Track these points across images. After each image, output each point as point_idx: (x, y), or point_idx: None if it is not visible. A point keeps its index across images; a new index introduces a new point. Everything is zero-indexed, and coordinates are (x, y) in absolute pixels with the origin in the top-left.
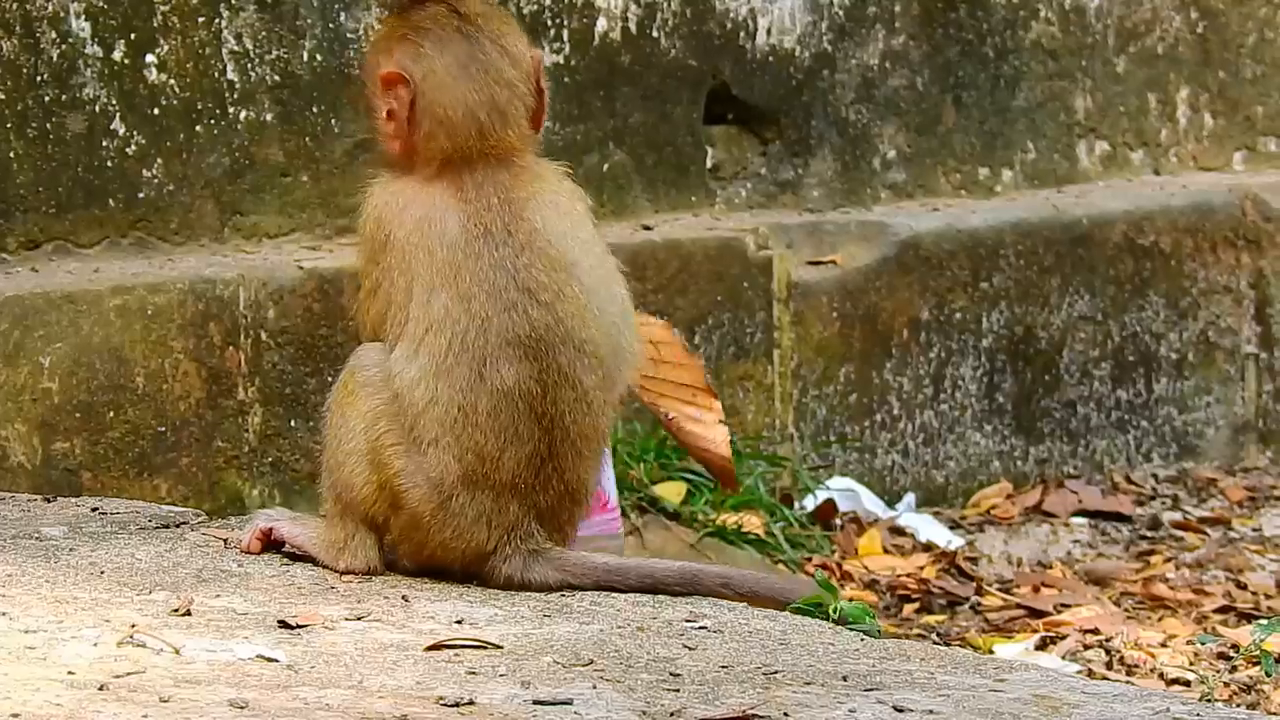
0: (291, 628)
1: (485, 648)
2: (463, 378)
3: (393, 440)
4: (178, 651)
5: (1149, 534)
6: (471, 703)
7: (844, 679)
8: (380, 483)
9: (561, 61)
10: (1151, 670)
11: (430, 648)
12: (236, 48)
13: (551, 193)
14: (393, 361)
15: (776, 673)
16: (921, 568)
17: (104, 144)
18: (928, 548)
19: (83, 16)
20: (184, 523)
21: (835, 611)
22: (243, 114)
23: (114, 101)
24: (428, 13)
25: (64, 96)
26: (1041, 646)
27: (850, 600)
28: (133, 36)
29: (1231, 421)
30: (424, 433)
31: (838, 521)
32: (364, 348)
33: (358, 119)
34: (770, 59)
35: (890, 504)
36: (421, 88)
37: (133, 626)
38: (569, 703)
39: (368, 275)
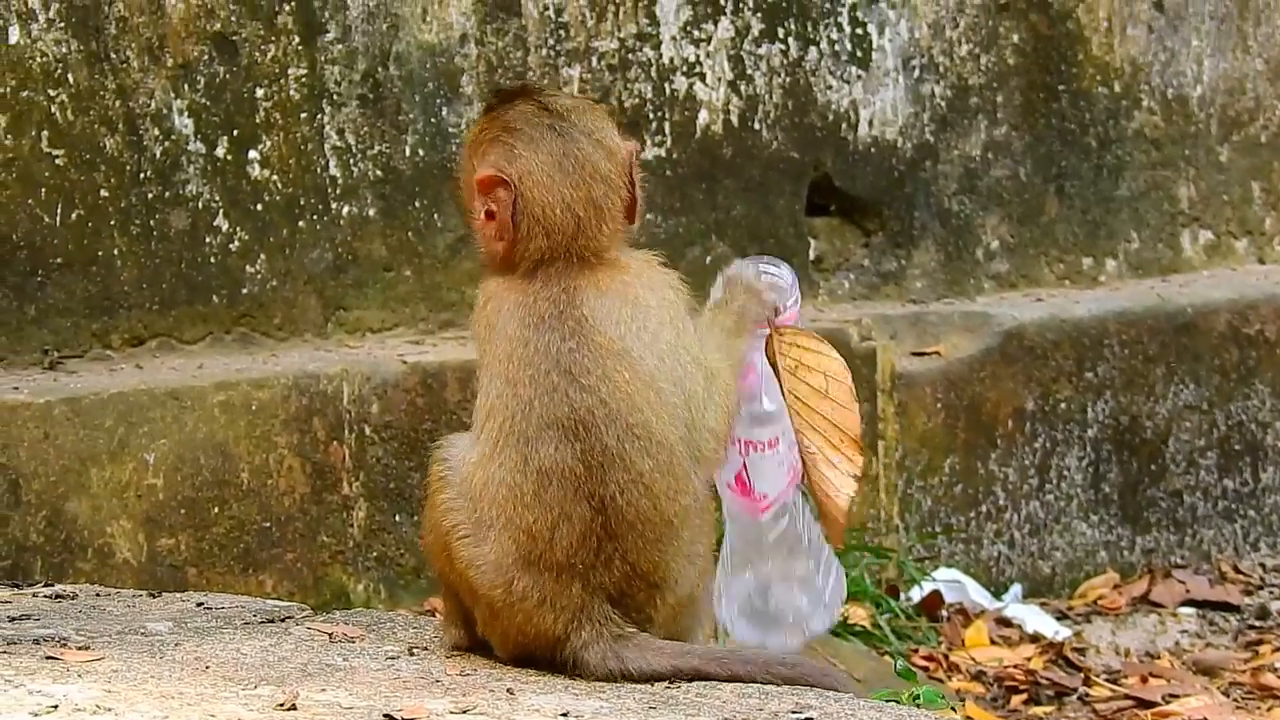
0: None
1: None
2: (511, 459)
3: (463, 532)
4: None
5: (1257, 623)
6: None
7: None
8: (457, 573)
9: (663, 154)
10: None
11: None
12: (339, 143)
13: (620, 282)
14: (463, 450)
15: None
16: (1029, 659)
17: (207, 240)
18: (1035, 638)
19: (185, 113)
20: (289, 617)
21: (910, 698)
22: (345, 209)
23: (217, 198)
24: (518, 111)
25: (167, 193)
26: None
27: (957, 691)
28: (235, 133)
29: None
30: (484, 515)
31: (944, 613)
32: (448, 440)
33: (459, 214)
34: (872, 150)
35: (996, 595)
36: (520, 188)
37: None
38: None
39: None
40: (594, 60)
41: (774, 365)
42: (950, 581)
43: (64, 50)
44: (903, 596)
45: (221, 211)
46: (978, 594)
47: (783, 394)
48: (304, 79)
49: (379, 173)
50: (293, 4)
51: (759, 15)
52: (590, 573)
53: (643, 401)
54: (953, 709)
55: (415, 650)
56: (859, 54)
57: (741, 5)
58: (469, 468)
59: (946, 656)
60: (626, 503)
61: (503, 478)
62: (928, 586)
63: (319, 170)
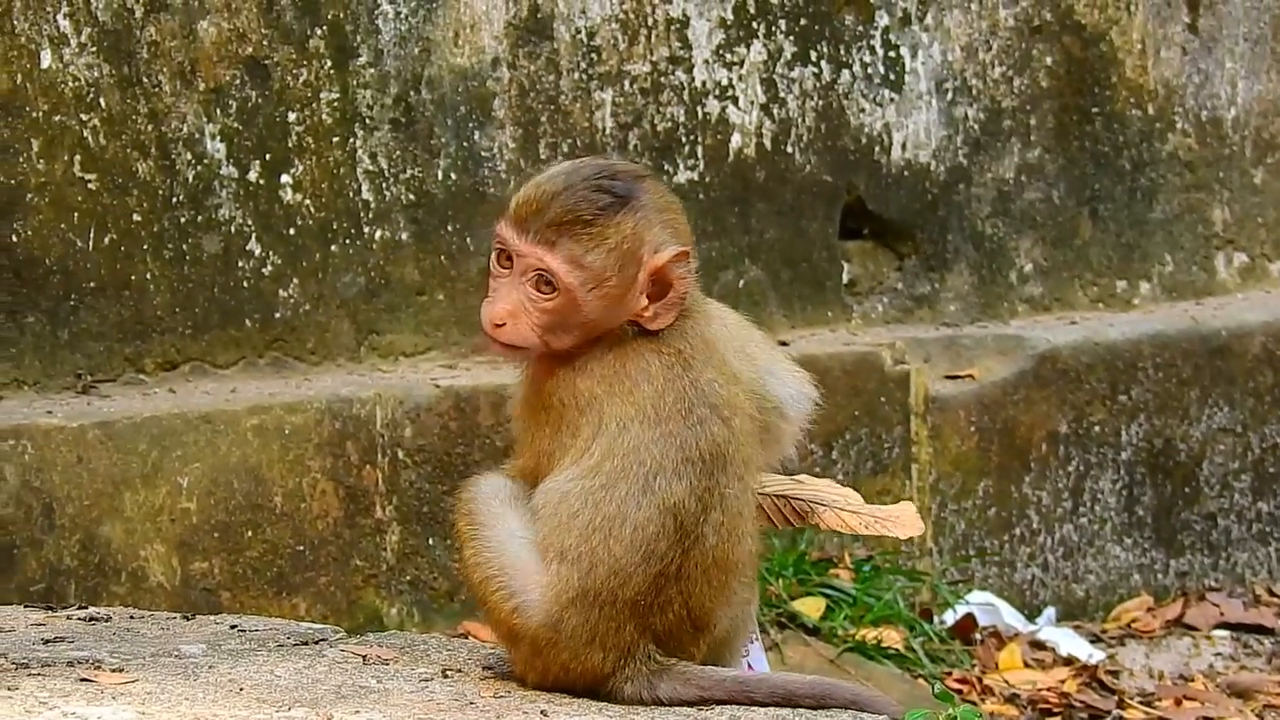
0: None
1: None
2: (624, 490)
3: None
4: None
5: None
6: None
7: None
8: (497, 620)
9: (696, 178)
10: None
11: None
12: (371, 167)
13: (707, 314)
14: (547, 483)
15: None
16: (1063, 681)
17: (240, 264)
18: (1069, 661)
19: (218, 138)
20: (322, 640)
21: (948, 718)
22: (378, 233)
23: (249, 222)
24: (653, 188)
25: (200, 217)
26: None
27: (991, 714)
28: (268, 157)
29: None
30: (554, 542)
31: (978, 636)
32: (485, 479)
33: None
34: (905, 173)
35: (1030, 618)
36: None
37: None
38: None
39: (546, 437)
40: (626, 84)
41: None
42: (984, 604)
43: (96, 74)
44: (936, 619)
45: (254, 236)
46: (1011, 617)
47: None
48: (336, 103)
49: (411, 197)
50: (325, 28)
51: (791, 38)
52: (648, 614)
53: (751, 432)
54: None
55: (449, 673)
56: (892, 77)
57: (774, 28)
58: (552, 497)
59: (980, 679)
60: (713, 545)
61: (600, 508)
62: (961, 610)
63: (351, 194)
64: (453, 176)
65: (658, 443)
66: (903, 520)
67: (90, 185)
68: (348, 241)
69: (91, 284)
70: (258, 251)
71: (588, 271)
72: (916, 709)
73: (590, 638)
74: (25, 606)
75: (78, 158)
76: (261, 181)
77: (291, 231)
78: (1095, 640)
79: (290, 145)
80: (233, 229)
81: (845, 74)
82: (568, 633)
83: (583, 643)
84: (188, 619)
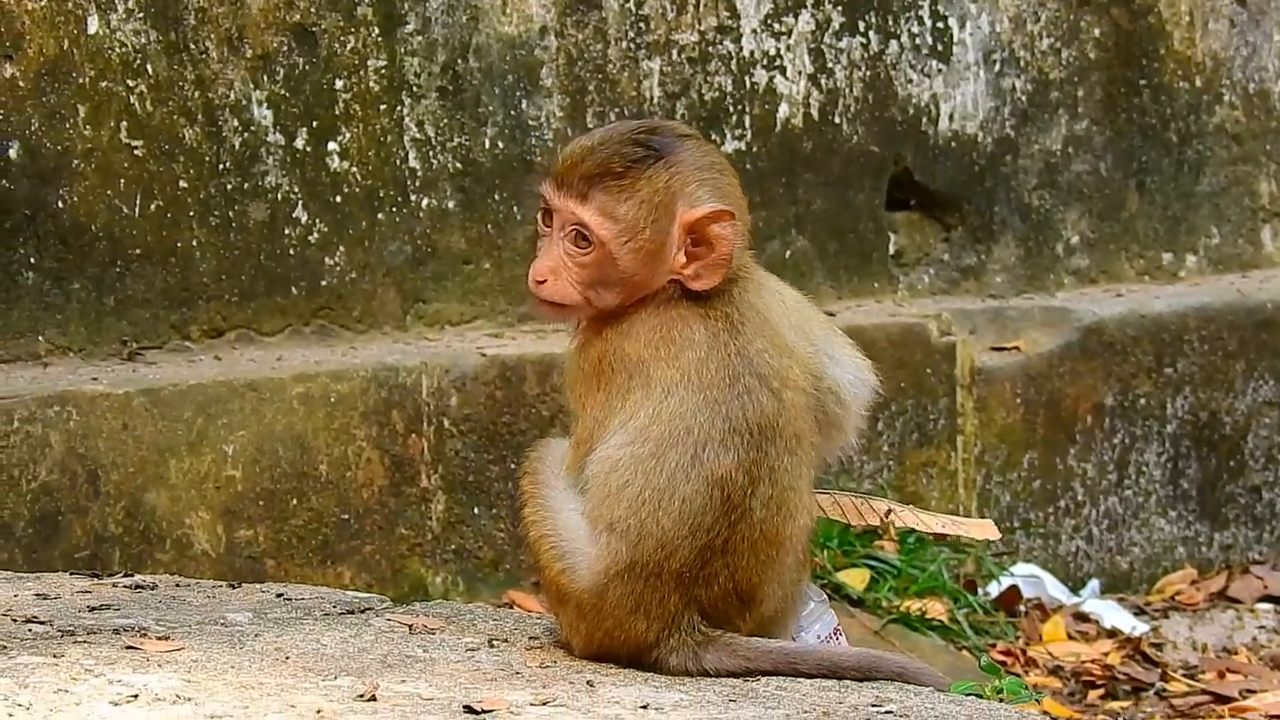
0: (477, 713)
1: None
2: (673, 462)
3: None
4: None
5: None
6: None
7: None
8: (547, 579)
9: (743, 148)
10: None
11: None
12: (418, 135)
13: (759, 283)
14: (597, 450)
15: None
16: (1106, 654)
17: (286, 232)
18: (1112, 634)
19: (265, 104)
20: (368, 609)
21: (994, 692)
22: (425, 201)
23: (296, 189)
24: (698, 148)
25: (246, 185)
26: None
27: (1034, 686)
28: (314, 124)
29: None
30: (604, 514)
31: (1022, 608)
32: (554, 443)
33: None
34: (953, 144)
35: (1074, 590)
36: (739, 219)
37: (318, 712)
38: None
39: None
40: (674, 53)
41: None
42: (1028, 577)
43: (143, 41)
44: (980, 591)
45: (300, 203)
46: (1055, 589)
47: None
48: (383, 70)
49: (458, 165)
50: None
51: (839, 8)
52: (692, 586)
53: (804, 407)
54: (1036, 700)
55: (495, 642)
56: (940, 48)
57: None
58: (604, 466)
59: (1024, 651)
60: (761, 519)
61: (650, 479)
62: (1006, 582)
63: (398, 162)
64: (500, 145)
65: (703, 410)
66: (980, 525)
67: (137, 152)
68: (394, 209)
69: (137, 251)
70: (304, 219)
71: (620, 224)
72: (962, 680)
73: (635, 606)
74: (71, 574)
75: (124, 124)
76: (308, 149)
77: (338, 199)
78: (1139, 613)
79: (337, 113)
80: (279, 196)
81: (893, 44)
82: (613, 601)
83: (627, 611)
84: (234, 587)
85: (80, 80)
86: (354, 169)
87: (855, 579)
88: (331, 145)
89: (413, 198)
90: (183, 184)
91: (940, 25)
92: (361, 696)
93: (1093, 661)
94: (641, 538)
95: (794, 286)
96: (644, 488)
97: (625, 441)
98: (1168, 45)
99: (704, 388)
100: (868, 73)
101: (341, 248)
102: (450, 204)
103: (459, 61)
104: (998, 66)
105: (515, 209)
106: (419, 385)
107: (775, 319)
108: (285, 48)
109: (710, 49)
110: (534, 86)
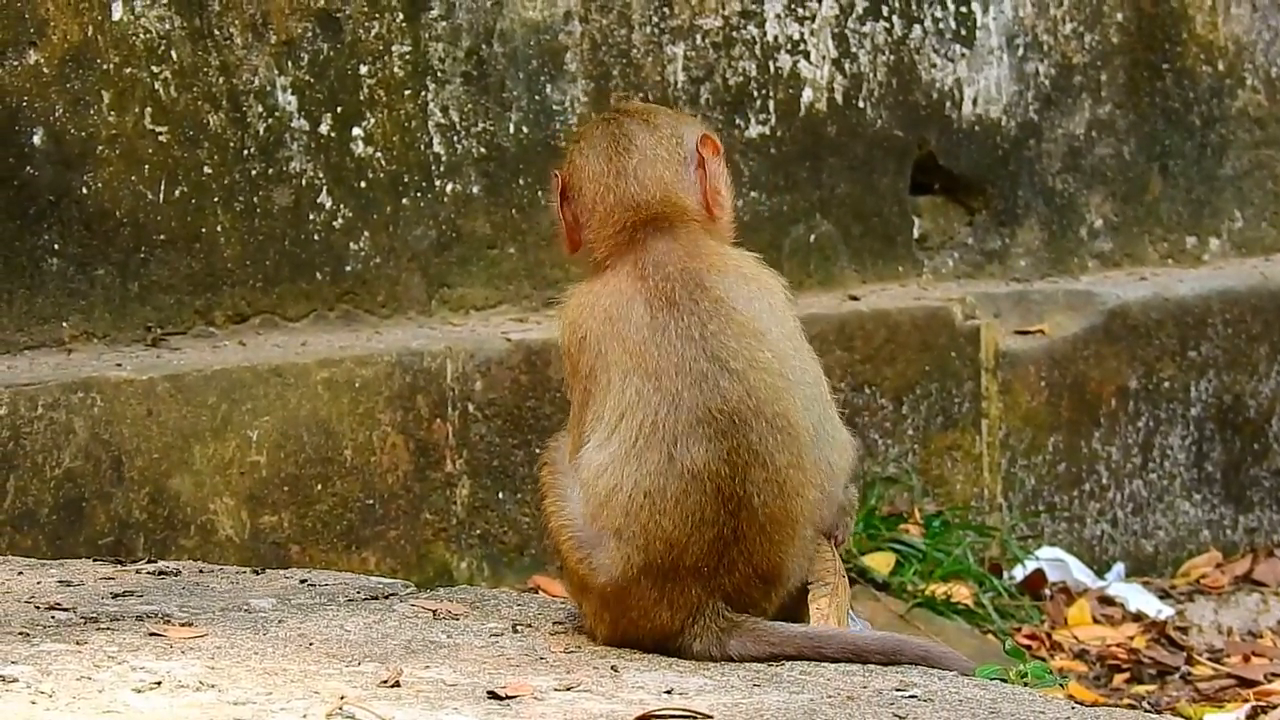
0: (501, 699)
1: (695, 718)
2: (652, 461)
3: (575, 541)
4: None
5: None
6: None
7: None
8: (568, 569)
9: (767, 132)
10: None
11: (640, 718)
12: (443, 120)
13: (733, 264)
14: (582, 454)
15: None
16: (1131, 637)
17: (310, 217)
18: (1137, 617)
19: (289, 90)
20: (392, 594)
21: (1019, 676)
22: (449, 187)
23: (320, 175)
24: (592, 122)
25: (270, 170)
26: (1253, 716)
27: (1060, 670)
28: (339, 110)
29: None
30: (608, 522)
31: (1047, 591)
32: (554, 441)
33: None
34: (977, 128)
35: (1099, 574)
36: (571, 183)
37: (342, 698)
38: None
39: (576, 388)
40: (698, 38)
41: None
42: (1053, 560)
43: (167, 27)
44: (1005, 575)
45: (325, 189)
46: (1080, 573)
47: None
48: (408, 56)
49: (483, 150)
50: None
51: None
52: (712, 577)
53: (783, 388)
54: (1060, 685)
55: (519, 627)
56: (963, 32)
57: None
58: (590, 472)
59: (1049, 635)
60: (761, 503)
61: (637, 482)
62: (1031, 565)
63: (423, 147)
64: (524, 130)
65: (663, 404)
66: None
67: (161, 138)
68: (419, 195)
69: (162, 236)
70: (328, 204)
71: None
72: (987, 664)
73: (658, 598)
74: (94, 560)
75: (149, 110)
76: (333, 134)
77: (362, 184)
78: (1164, 596)
79: (362, 98)
80: (304, 182)
81: (917, 29)
82: (636, 595)
83: (651, 602)
84: (257, 573)
85: (104, 66)
86: (378, 154)
87: (880, 563)
88: (356, 130)
89: (437, 183)
90: (207, 170)
91: (963, 10)
92: (385, 682)
93: (1118, 645)
94: (649, 541)
95: (819, 271)
96: (633, 491)
97: (600, 442)
98: (1190, 29)
99: (653, 375)
100: (891, 57)
101: (366, 233)
102: (475, 189)
103: (483, 46)
104: (1021, 51)
105: (540, 194)
106: (444, 370)
107: (745, 308)
108: (310, 33)
109: (734, 34)
110: (558, 71)
